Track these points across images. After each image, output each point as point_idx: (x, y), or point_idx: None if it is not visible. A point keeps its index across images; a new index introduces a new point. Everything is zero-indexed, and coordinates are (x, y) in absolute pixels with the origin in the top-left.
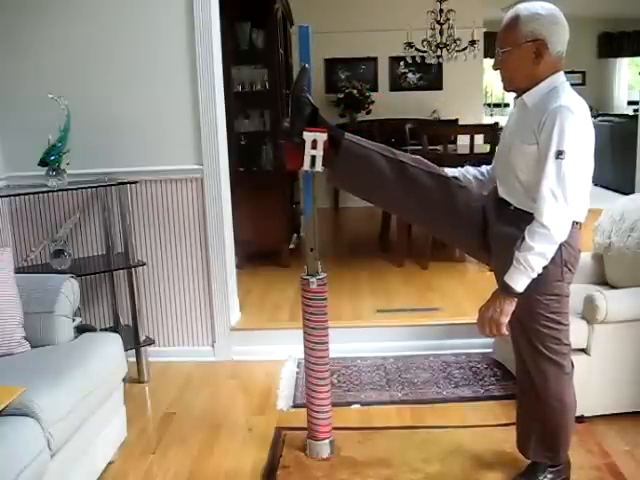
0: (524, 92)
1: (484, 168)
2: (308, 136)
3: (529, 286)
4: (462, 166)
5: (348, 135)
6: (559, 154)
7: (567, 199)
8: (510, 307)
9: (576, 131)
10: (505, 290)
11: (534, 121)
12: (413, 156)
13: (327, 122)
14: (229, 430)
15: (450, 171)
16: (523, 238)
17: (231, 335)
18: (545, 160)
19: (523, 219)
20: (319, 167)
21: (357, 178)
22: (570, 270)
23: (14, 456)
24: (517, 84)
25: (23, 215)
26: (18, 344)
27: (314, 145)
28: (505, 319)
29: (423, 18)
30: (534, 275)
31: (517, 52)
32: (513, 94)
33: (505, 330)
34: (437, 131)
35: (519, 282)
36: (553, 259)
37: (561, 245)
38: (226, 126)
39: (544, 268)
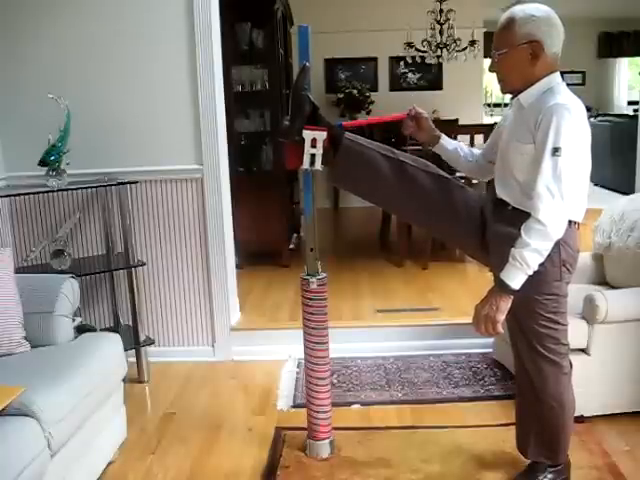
0: (520, 92)
1: (476, 151)
2: (307, 134)
3: (528, 286)
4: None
5: (348, 134)
6: (555, 151)
7: (563, 196)
8: (506, 305)
9: (572, 129)
10: (501, 287)
11: (530, 120)
12: (413, 156)
13: (327, 121)
14: (229, 430)
15: (447, 142)
16: (520, 235)
17: (231, 335)
18: (541, 157)
19: (521, 219)
20: (319, 165)
21: (356, 177)
22: (568, 270)
23: (14, 456)
24: (513, 85)
25: (23, 215)
26: (18, 344)
27: (314, 143)
28: (501, 317)
29: (423, 18)
30: (530, 272)
31: (513, 54)
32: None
33: (500, 328)
34: None
35: (515, 279)
36: (552, 259)
37: (560, 245)
38: (226, 126)
39: (543, 268)
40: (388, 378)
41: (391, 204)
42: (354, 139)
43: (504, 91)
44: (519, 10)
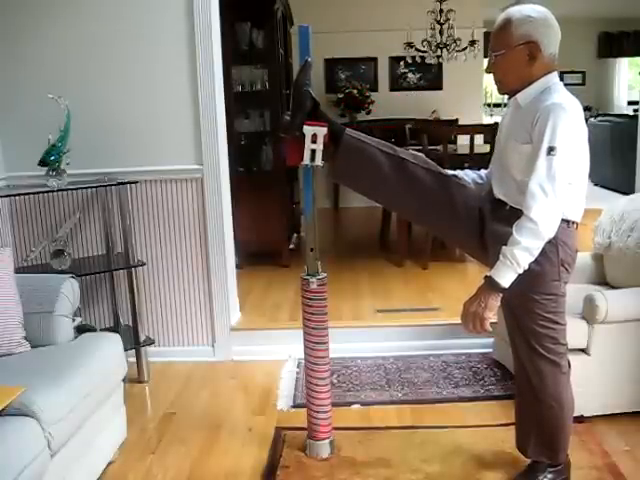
0: (518, 92)
1: (482, 172)
2: (308, 130)
3: (526, 285)
4: (462, 168)
5: (349, 130)
6: (550, 150)
7: (557, 195)
8: (495, 302)
9: (568, 128)
10: (490, 285)
11: (527, 120)
12: (414, 153)
13: (327, 117)
14: (229, 430)
15: (450, 173)
16: (511, 233)
17: (231, 335)
18: (536, 156)
19: (519, 218)
20: (319, 161)
21: (356, 174)
22: (567, 270)
23: (14, 456)
24: (510, 86)
25: (23, 215)
26: (18, 344)
27: (314, 139)
28: (489, 314)
29: (423, 18)
30: (520, 270)
31: (510, 55)
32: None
33: (489, 326)
34: (437, 131)
35: (505, 277)
36: (550, 259)
37: (558, 245)
38: (226, 126)
39: (541, 267)
40: (388, 378)
41: (391, 201)
42: (355, 135)
43: (501, 92)
44: (516, 11)
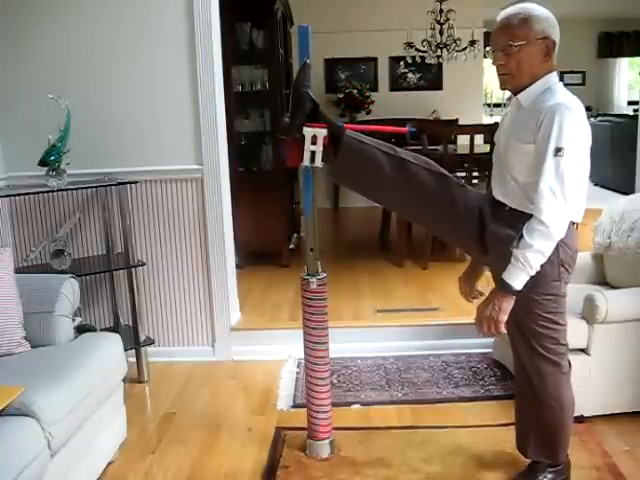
0: (518, 92)
1: None
2: (308, 131)
3: (526, 286)
4: (462, 168)
5: (349, 131)
6: (558, 151)
7: (566, 196)
8: (508, 305)
9: (574, 129)
10: (504, 288)
11: (530, 120)
12: (415, 154)
13: (328, 118)
14: (229, 430)
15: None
16: (521, 236)
17: (231, 335)
18: (544, 157)
19: (519, 219)
20: (319, 163)
21: (357, 174)
22: (567, 270)
23: (14, 456)
24: (520, 80)
25: (23, 215)
26: (18, 344)
27: (314, 140)
28: (504, 317)
29: (423, 18)
30: (532, 272)
31: (529, 48)
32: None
33: (503, 329)
34: (437, 131)
35: (517, 280)
36: (550, 259)
37: (558, 245)
38: (226, 126)
39: (541, 267)
40: (388, 378)
41: (391, 201)
42: (355, 136)
43: (505, 86)
44: (532, 8)
